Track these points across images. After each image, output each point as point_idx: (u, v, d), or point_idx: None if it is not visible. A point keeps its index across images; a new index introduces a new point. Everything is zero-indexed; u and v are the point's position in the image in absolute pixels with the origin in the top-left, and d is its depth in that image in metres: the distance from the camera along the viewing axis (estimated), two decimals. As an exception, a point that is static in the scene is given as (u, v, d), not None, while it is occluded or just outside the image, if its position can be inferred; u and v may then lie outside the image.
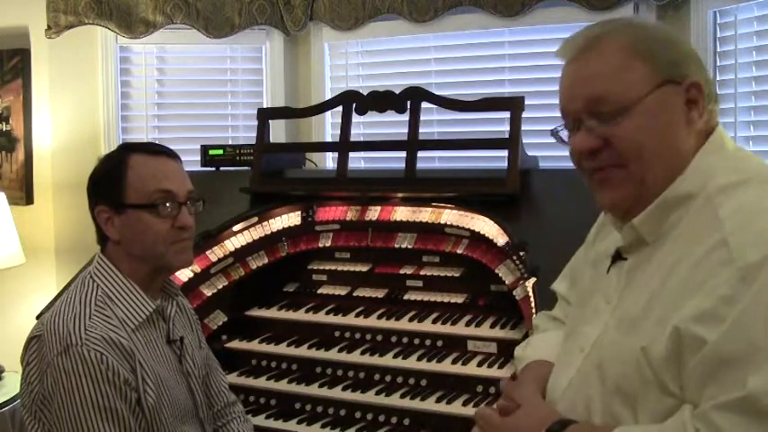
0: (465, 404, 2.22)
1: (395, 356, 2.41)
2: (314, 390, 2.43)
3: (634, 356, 1.13)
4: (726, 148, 1.24)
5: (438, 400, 2.27)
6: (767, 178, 1.19)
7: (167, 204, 1.70)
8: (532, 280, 2.11)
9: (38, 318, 1.87)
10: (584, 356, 1.26)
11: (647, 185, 1.21)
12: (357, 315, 2.57)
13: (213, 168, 3.09)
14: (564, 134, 1.30)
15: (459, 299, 2.51)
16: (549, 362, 1.42)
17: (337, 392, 2.40)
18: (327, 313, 2.63)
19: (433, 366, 2.34)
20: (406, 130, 2.61)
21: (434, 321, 2.46)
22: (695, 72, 1.22)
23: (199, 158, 3.10)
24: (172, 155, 1.77)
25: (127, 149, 1.76)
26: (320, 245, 2.70)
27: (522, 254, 2.19)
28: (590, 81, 1.22)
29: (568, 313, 1.53)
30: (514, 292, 2.21)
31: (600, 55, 1.22)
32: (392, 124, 3.17)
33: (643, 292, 1.19)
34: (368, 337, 2.53)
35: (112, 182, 1.70)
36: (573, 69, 1.26)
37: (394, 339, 2.49)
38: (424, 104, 2.62)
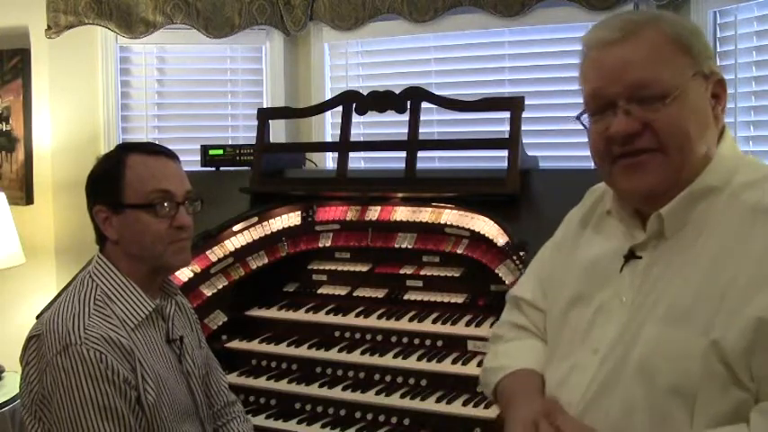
0: (465, 404, 2.22)
1: (395, 356, 2.41)
2: (314, 390, 2.43)
3: (698, 351, 1.11)
4: (735, 146, 1.28)
5: (438, 400, 2.27)
6: None
7: (165, 204, 1.69)
8: (532, 280, 2.10)
9: (38, 318, 1.86)
10: (603, 357, 1.22)
11: (682, 174, 1.21)
12: (357, 315, 2.57)
13: (213, 168, 3.09)
14: (586, 120, 1.29)
15: (459, 299, 2.51)
16: (536, 371, 1.38)
17: (337, 392, 2.40)
18: (327, 313, 2.63)
19: (433, 366, 2.34)
20: (406, 130, 2.61)
21: (434, 321, 2.46)
22: (716, 68, 1.25)
23: (199, 158, 3.10)
24: (170, 155, 1.77)
25: (125, 149, 1.76)
26: (320, 245, 2.70)
27: (522, 254, 2.19)
28: (634, 65, 1.20)
29: (536, 320, 1.48)
30: (514, 292, 2.21)
31: (644, 41, 1.21)
32: (392, 124, 3.17)
33: (683, 285, 1.17)
34: (368, 337, 2.53)
35: (110, 182, 1.70)
36: (611, 54, 1.23)
37: (394, 339, 2.49)
38: (424, 104, 2.62)
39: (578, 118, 1.31)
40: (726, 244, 1.16)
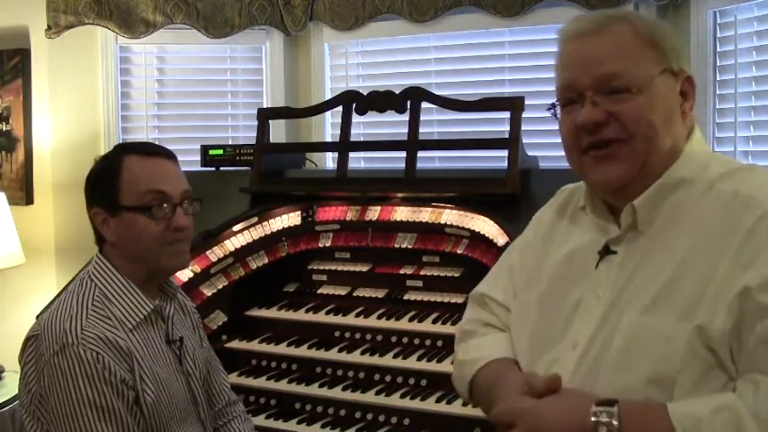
0: (465, 404, 2.22)
1: (395, 356, 2.41)
2: (314, 390, 2.43)
3: (676, 335, 1.12)
4: (704, 143, 1.33)
5: (438, 400, 2.27)
6: (754, 165, 1.31)
7: (163, 206, 1.69)
8: (532, 280, 2.10)
9: (38, 317, 1.87)
10: (582, 352, 1.24)
11: (648, 166, 1.25)
12: (357, 315, 2.57)
13: (213, 168, 3.09)
14: (557, 112, 1.34)
15: (459, 299, 2.50)
16: (512, 359, 1.39)
17: (337, 392, 2.40)
18: (327, 313, 2.63)
19: (433, 366, 2.34)
20: (406, 130, 2.61)
21: (434, 321, 2.46)
22: (687, 67, 1.30)
23: (199, 158, 3.10)
24: (168, 155, 1.76)
25: (122, 150, 1.76)
26: (320, 245, 2.70)
27: (522, 254, 2.19)
28: (604, 58, 1.25)
29: (504, 319, 1.48)
30: (514, 292, 2.21)
31: (615, 35, 1.26)
32: (392, 124, 3.17)
33: (659, 274, 1.19)
34: (368, 337, 2.53)
35: (107, 183, 1.70)
36: (583, 46, 1.28)
37: (394, 339, 2.49)
38: (424, 104, 2.62)
39: (550, 109, 1.36)
40: (703, 231, 1.19)
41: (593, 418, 1.12)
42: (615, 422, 1.10)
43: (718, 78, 2.84)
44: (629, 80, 1.23)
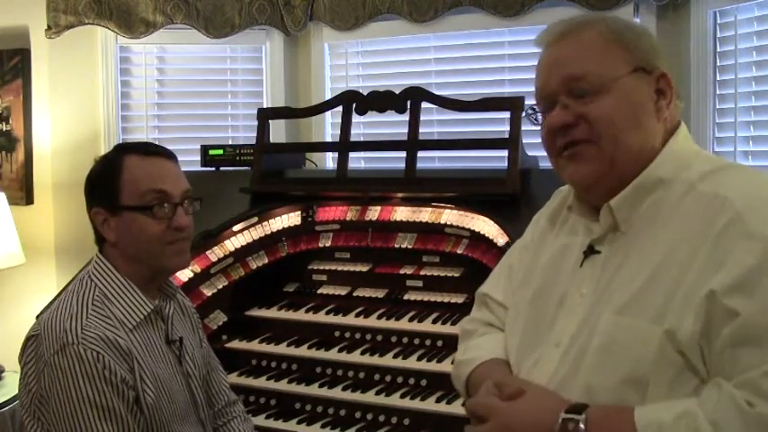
0: (465, 404, 2.22)
1: (395, 356, 2.41)
2: (314, 390, 2.43)
3: (650, 338, 1.13)
4: (690, 142, 1.32)
5: (438, 400, 2.27)
6: (737, 165, 1.30)
7: (164, 205, 1.69)
8: (532, 280, 2.10)
9: (38, 317, 1.87)
10: (564, 350, 1.25)
11: (615, 165, 1.25)
12: (357, 315, 2.57)
13: (213, 168, 3.09)
14: (538, 117, 1.36)
15: (459, 299, 2.51)
16: (505, 360, 1.42)
17: (337, 392, 2.40)
18: (327, 313, 2.63)
19: (433, 366, 2.34)
20: (406, 130, 2.61)
21: (434, 321, 2.46)
22: (664, 66, 1.29)
23: (199, 158, 3.10)
24: (167, 155, 1.76)
25: (122, 150, 1.76)
26: (320, 245, 2.70)
27: (522, 254, 2.19)
28: (569, 61, 1.28)
29: (503, 318, 1.50)
30: (514, 292, 2.21)
31: (580, 40, 1.29)
32: (392, 124, 3.17)
33: (636, 275, 1.20)
34: (368, 337, 2.53)
35: (107, 184, 1.70)
36: (552, 52, 1.32)
37: (394, 339, 2.49)
38: (424, 104, 2.62)
39: (527, 115, 1.39)
40: (682, 232, 1.19)
41: (559, 423, 1.15)
42: (582, 426, 1.13)
43: (718, 78, 2.84)
44: (593, 82, 1.24)
